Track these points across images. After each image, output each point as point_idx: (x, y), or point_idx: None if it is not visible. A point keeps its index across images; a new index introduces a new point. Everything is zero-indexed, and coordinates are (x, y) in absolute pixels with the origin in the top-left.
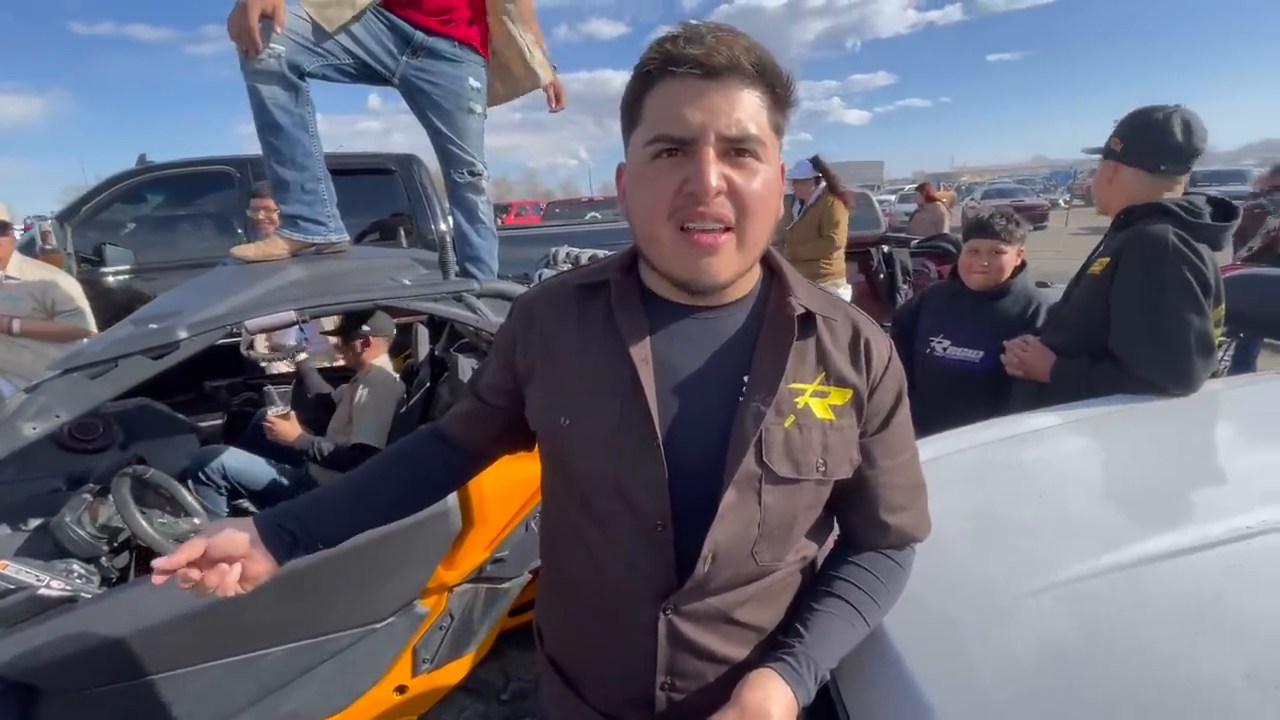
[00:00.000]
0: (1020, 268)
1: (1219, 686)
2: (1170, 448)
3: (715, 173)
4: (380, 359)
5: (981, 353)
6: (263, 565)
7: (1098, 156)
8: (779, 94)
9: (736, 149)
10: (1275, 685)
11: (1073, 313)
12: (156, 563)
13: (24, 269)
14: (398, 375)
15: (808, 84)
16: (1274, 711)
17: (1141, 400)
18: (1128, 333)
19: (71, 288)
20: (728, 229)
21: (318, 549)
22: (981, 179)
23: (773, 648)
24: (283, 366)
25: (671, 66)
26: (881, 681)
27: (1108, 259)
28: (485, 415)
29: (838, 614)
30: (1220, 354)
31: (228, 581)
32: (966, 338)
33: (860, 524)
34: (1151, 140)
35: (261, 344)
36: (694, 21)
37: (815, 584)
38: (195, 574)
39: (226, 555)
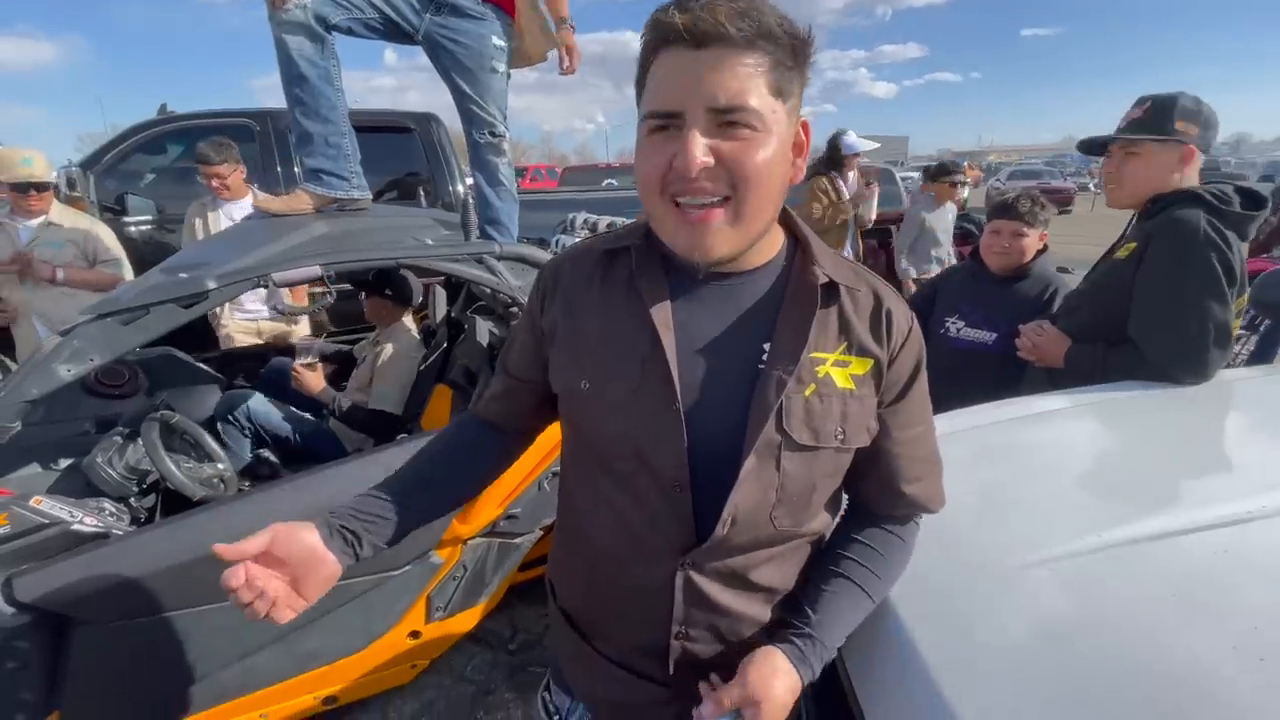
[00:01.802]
0: (1041, 251)
1: (1205, 659)
2: (1177, 434)
3: (701, 147)
4: (404, 318)
5: (995, 335)
6: (326, 570)
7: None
8: (780, 56)
9: (726, 120)
10: (1259, 657)
11: (1093, 297)
12: (219, 548)
13: (64, 216)
14: (418, 336)
15: (834, 53)
16: (1256, 682)
17: (1152, 387)
18: (1148, 317)
19: (110, 238)
20: (725, 199)
21: (371, 553)
22: (1010, 158)
23: (781, 626)
24: (248, 340)
25: (662, 38)
26: (884, 651)
27: (1134, 244)
28: (519, 391)
29: (845, 595)
30: (1238, 347)
31: (280, 609)
32: (981, 319)
33: (876, 493)
34: (1208, 122)
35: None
36: None
37: (823, 561)
38: (247, 593)
39: (288, 554)
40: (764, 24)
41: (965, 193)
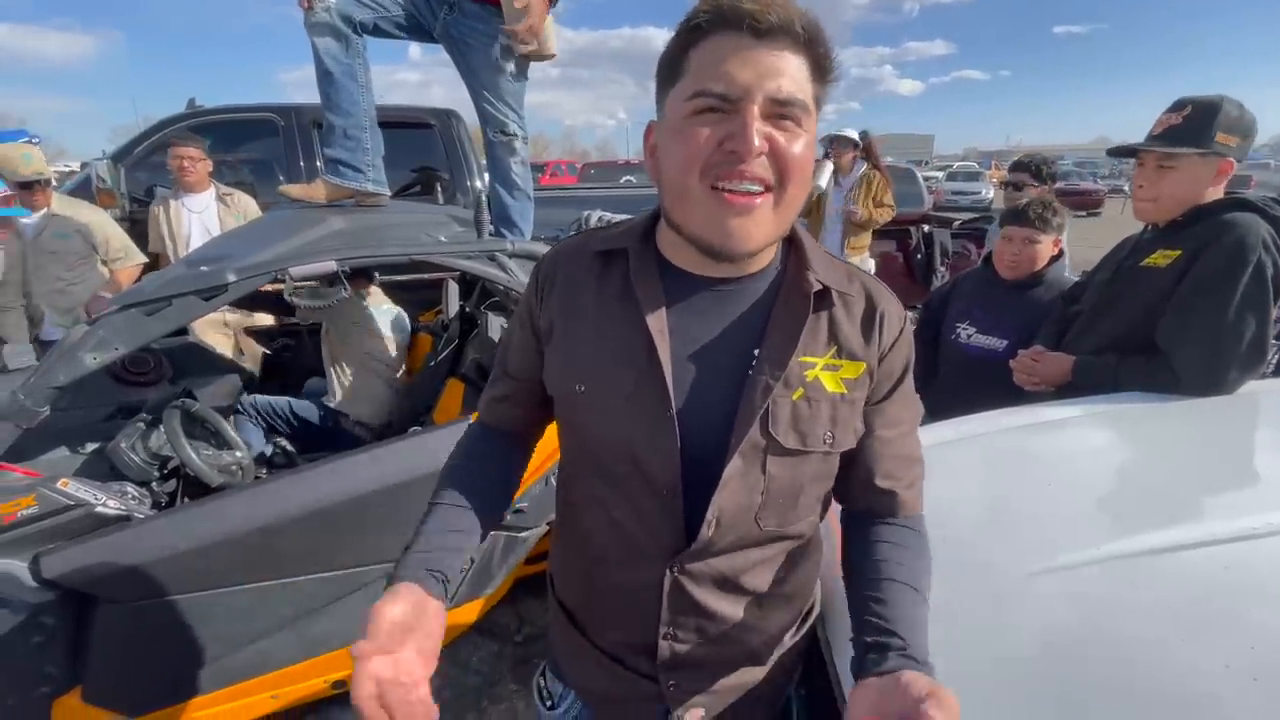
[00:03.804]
0: (1056, 257)
1: (1199, 676)
2: (1188, 446)
3: (759, 132)
4: (370, 292)
5: (1006, 342)
6: (433, 608)
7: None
8: (823, 65)
9: (780, 112)
10: (1252, 677)
11: (1120, 306)
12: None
13: (64, 206)
14: (385, 309)
15: (859, 50)
16: (1247, 702)
17: (1166, 398)
18: (1185, 325)
19: (112, 228)
20: (766, 190)
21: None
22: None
23: (871, 650)
24: (216, 332)
25: (723, 21)
26: None
27: (1178, 252)
28: (521, 392)
29: (917, 605)
30: (1272, 355)
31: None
32: (992, 325)
33: (856, 491)
34: (1247, 132)
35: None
36: None
37: (866, 572)
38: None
39: (402, 623)
40: (820, 30)
41: (991, 192)
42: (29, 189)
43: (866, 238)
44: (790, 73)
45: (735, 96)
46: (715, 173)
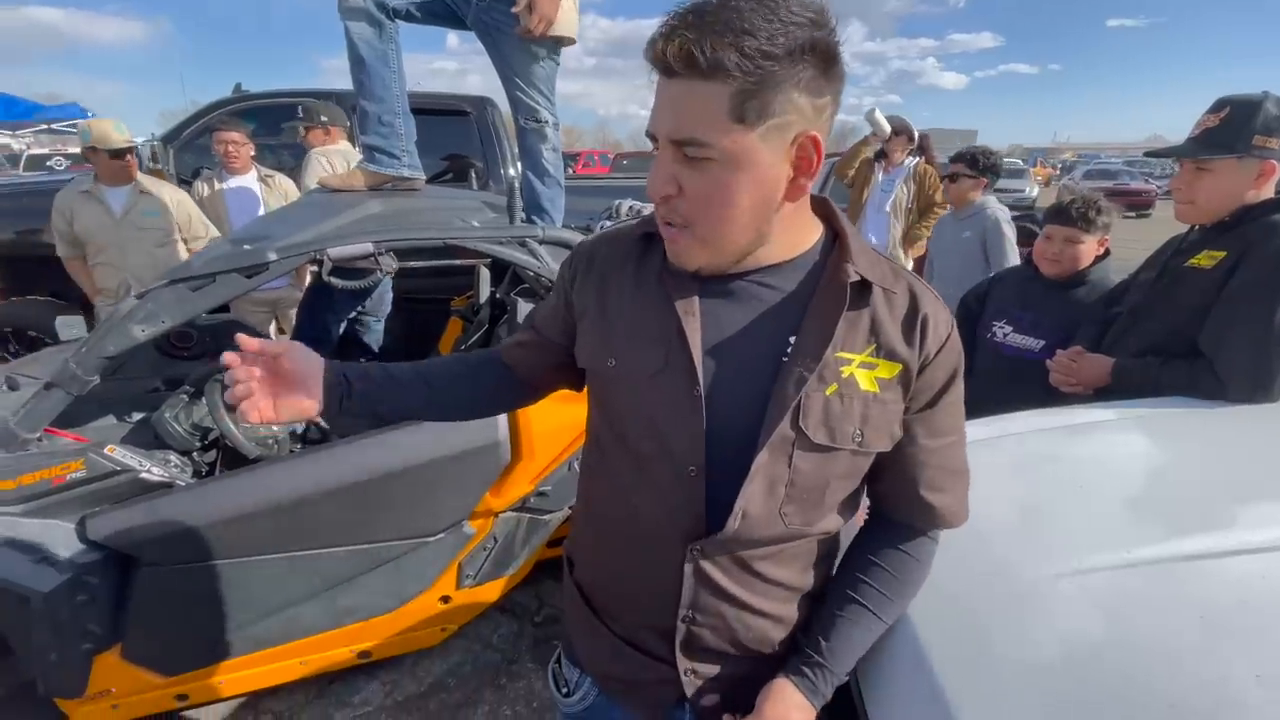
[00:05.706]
0: (1102, 257)
1: (1226, 686)
2: (1226, 453)
3: (664, 177)
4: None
5: (1043, 343)
6: (306, 403)
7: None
8: (745, 83)
9: (685, 152)
10: None
11: (1164, 308)
12: (241, 338)
13: (149, 184)
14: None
15: (901, 41)
16: (1276, 714)
17: (1204, 403)
18: (1227, 329)
19: (194, 209)
20: (686, 224)
21: (360, 415)
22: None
23: (793, 652)
24: (260, 310)
25: (650, 61)
26: (897, 659)
27: (1223, 253)
28: (539, 346)
29: (858, 620)
30: None
31: (249, 408)
32: (1030, 325)
33: (896, 499)
34: None
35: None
36: (680, 9)
37: (837, 582)
38: (248, 379)
39: (292, 370)
40: (718, 57)
41: (1035, 190)
42: (121, 157)
43: (924, 233)
44: (690, 110)
45: (654, 136)
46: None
